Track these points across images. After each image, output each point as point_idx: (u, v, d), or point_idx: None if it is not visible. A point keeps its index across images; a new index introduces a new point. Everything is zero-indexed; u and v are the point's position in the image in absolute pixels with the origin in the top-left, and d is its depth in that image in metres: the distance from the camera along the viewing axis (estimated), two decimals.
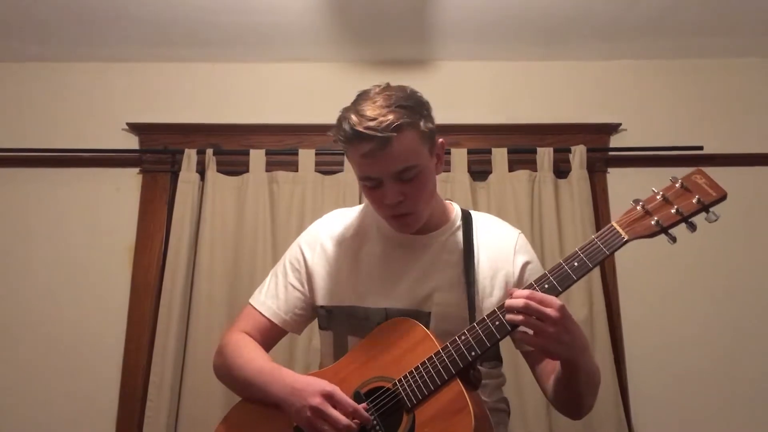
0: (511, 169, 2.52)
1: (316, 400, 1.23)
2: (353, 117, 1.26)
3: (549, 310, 1.14)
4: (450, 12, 2.41)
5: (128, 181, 2.60)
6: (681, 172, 1.18)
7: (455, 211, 1.49)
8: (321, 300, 1.45)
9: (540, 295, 1.16)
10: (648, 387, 2.37)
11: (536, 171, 2.51)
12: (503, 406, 1.44)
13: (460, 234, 1.44)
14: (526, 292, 1.17)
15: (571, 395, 1.30)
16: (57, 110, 2.68)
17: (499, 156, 2.53)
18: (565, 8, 2.39)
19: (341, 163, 2.51)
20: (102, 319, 2.46)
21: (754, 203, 2.52)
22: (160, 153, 2.60)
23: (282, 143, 2.61)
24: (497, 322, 1.20)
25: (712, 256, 2.48)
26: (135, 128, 2.64)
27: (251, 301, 1.52)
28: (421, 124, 1.29)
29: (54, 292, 2.49)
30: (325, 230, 1.52)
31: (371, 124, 1.24)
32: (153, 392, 2.32)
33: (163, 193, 2.58)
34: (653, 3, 2.36)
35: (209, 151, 2.54)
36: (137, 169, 2.61)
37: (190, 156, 2.54)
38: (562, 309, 1.15)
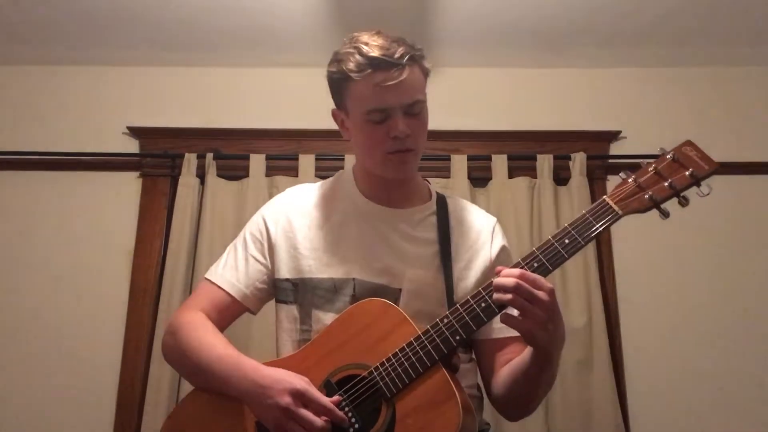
0: (510, 176, 2.52)
1: (286, 400, 1.13)
2: (364, 47, 1.24)
3: (540, 293, 1.07)
4: (450, 19, 2.42)
5: (128, 185, 2.60)
6: None
7: (432, 193, 1.46)
8: (286, 272, 1.37)
9: (532, 275, 1.09)
10: (646, 394, 2.36)
11: (536, 178, 2.51)
12: (476, 392, 1.37)
13: (435, 216, 1.40)
14: (517, 270, 1.10)
15: (526, 391, 1.24)
16: (57, 114, 2.69)
17: (499, 162, 2.53)
18: (566, 16, 2.40)
19: (341, 168, 2.50)
20: (101, 323, 2.45)
21: (753, 211, 2.52)
22: (160, 157, 2.60)
23: (282, 148, 2.62)
24: (483, 304, 1.13)
25: (710, 263, 2.48)
26: (135, 132, 2.64)
27: (207, 275, 1.42)
28: (424, 63, 1.32)
29: (54, 295, 2.49)
30: (290, 201, 1.44)
31: (386, 52, 1.23)
32: (151, 396, 2.31)
33: (163, 197, 2.58)
34: (653, 11, 2.37)
35: (209, 156, 2.54)
36: (137, 173, 2.61)
37: (190, 160, 2.54)
38: (552, 293, 1.09)
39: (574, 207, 2.45)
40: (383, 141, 1.28)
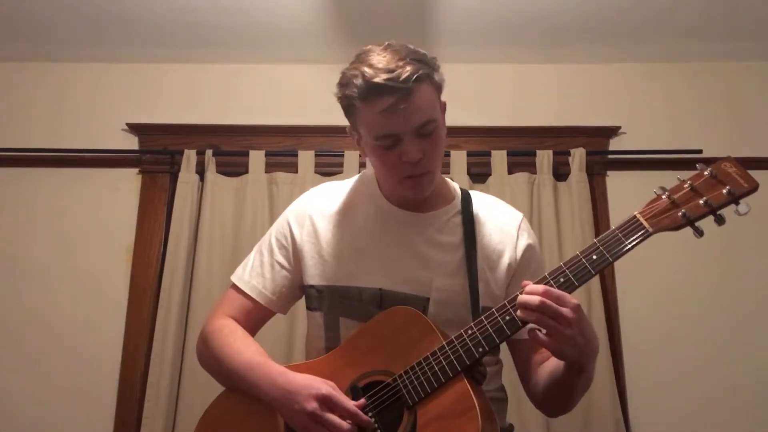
0: (510, 172, 2.52)
1: (312, 405, 1.15)
2: (367, 70, 1.18)
3: (565, 310, 1.06)
4: (450, 14, 2.41)
5: (128, 182, 2.59)
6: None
7: (456, 191, 1.43)
8: (311, 279, 1.37)
9: (556, 292, 1.07)
10: (646, 387, 2.37)
11: (535, 174, 2.51)
12: (502, 395, 1.38)
13: (460, 215, 1.37)
14: (541, 287, 1.08)
15: (563, 396, 1.25)
16: (57, 110, 2.67)
17: (499, 158, 2.53)
18: (565, 11, 2.40)
19: (341, 165, 2.50)
20: (100, 320, 2.45)
21: (757, 207, 2.51)
22: (159, 153, 2.60)
23: (281, 144, 2.61)
24: (507, 317, 1.13)
25: (711, 257, 2.48)
26: (135, 129, 2.64)
27: (234, 280, 1.43)
28: (435, 76, 1.24)
29: (52, 292, 2.48)
30: (315, 204, 1.42)
31: (390, 75, 1.16)
32: (151, 393, 2.31)
33: (163, 194, 2.58)
34: (652, 6, 2.36)
35: (209, 152, 2.53)
36: (137, 170, 2.61)
37: (189, 157, 2.54)
38: (578, 309, 1.07)
39: (574, 203, 2.46)
40: (396, 166, 1.24)
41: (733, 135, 2.59)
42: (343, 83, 1.24)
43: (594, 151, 2.56)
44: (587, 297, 2.35)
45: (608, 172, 2.59)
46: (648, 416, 2.35)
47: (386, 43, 1.25)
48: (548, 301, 1.06)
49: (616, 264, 2.42)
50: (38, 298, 2.48)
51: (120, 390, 2.38)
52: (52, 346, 2.43)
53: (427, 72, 1.21)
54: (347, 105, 1.25)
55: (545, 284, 1.11)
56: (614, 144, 2.62)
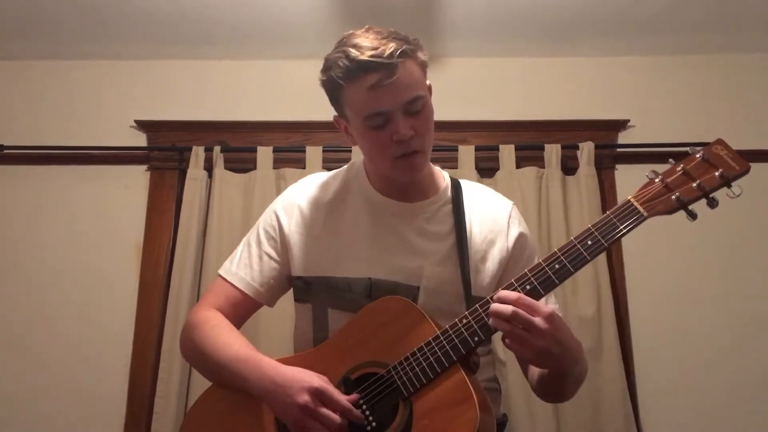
0: (518, 166, 2.51)
1: (304, 398, 1.13)
2: (351, 50, 1.18)
3: (537, 320, 1.05)
4: (457, 9, 2.41)
5: (136, 179, 2.60)
6: None
7: (445, 180, 1.42)
8: (298, 270, 1.36)
9: (528, 300, 1.07)
10: (656, 384, 2.36)
11: (544, 168, 2.51)
12: (495, 385, 1.37)
13: (450, 205, 1.36)
14: (514, 295, 1.07)
15: (555, 392, 1.27)
16: (65, 108, 2.68)
17: (507, 153, 2.52)
18: (572, 5, 2.39)
19: (349, 160, 2.50)
20: (110, 316, 2.46)
21: (762, 200, 2.50)
22: (167, 150, 2.60)
23: (289, 140, 2.61)
24: None
25: (719, 252, 2.47)
26: (143, 126, 2.65)
27: (221, 272, 1.40)
28: (419, 54, 1.25)
29: (62, 289, 2.49)
30: (303, 194, 1.41)
31: (374, 52, 1.17)
32: (161, 388, 2.32)
33: (171, 191, 2.58)
34: None
35: (217, 149, 2.54)
36: (145, 167, 2.62)
37: (197, 153, 2.54)
38: (551, 318, 1.06)
39: (582, 197, 2.45)
40: (388, 146, 1.23)
41: (743, 127, 2.57)
42: (327, 66, 1.24)
43: (603, 144, 2.55)
44: (597, 295, 2.35)
45: (617, 166, 2.57)
46: (658, 412, 2.34)
47: (367, 26, 1.25)
48: (521, 311, 1.05)
49: (626, 262, 2.46)
50: (48, 296, 2.49)
51: (131, 386, 2.39)
52: (62, 342, 2.44)
53: (411, 48, 1.22)
54: (333, 88, 1.25)
55: (539, 271, 1.11)
56: (623, 137, 2.61)
